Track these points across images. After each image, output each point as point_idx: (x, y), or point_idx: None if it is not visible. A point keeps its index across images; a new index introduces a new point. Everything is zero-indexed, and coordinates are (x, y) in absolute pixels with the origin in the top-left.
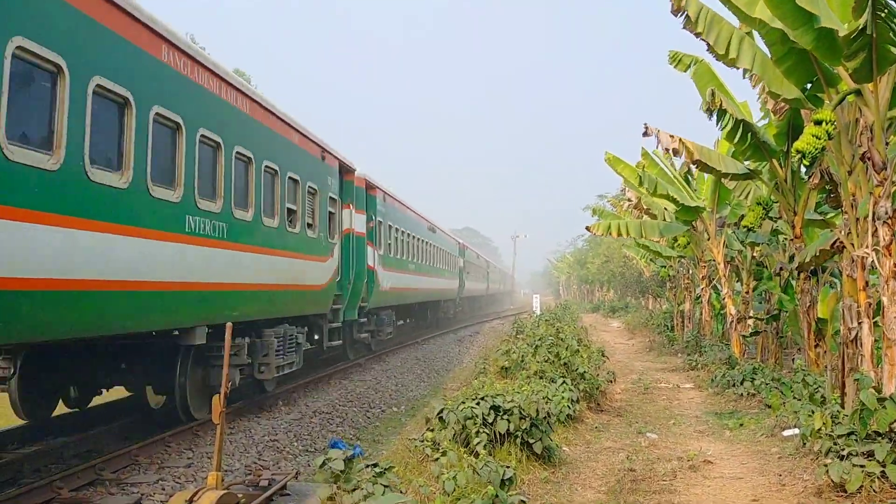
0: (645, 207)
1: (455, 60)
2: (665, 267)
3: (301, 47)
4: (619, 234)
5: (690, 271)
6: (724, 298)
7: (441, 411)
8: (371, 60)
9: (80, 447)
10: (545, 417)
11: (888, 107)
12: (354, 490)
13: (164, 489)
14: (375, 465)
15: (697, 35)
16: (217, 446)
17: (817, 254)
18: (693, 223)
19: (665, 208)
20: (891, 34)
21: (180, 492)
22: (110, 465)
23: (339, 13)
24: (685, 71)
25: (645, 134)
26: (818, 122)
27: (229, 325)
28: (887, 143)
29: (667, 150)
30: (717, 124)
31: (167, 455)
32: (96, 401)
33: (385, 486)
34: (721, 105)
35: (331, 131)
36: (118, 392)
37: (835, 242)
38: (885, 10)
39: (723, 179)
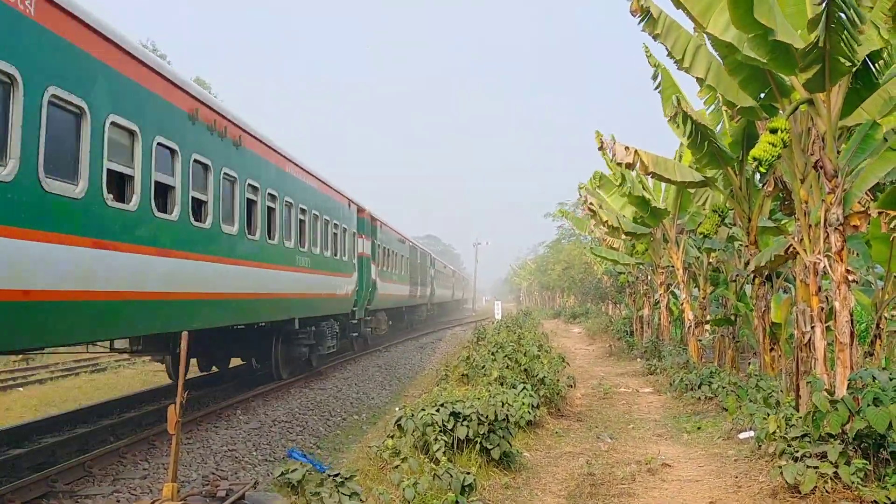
0: (604, 218)
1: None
2: (624, 273)
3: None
4: (605, 221)
5: (649, 277)
6: (682, 304)
7: (400, 419)
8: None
9: (33, 458)
10: (503, 420)
11: (839, 116)
12: (314, 500)
13: (118, 501)
14: (337, 475)
15: (656, 38)
16: (173, 457)
17: (772, 259)
18: (653, 229)
19: (624, 215)
20: (842, 46)
21: (135, 503)
22: (64, 476)
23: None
24: (654, 67)
25: (600, 148)
26: (773, 131)
27: (185, 333)
28: (838, 152)
29: (620, 164)
30: (683, 132)
31: (122, 466)
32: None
33: (346, 496)
34: (686, 109)
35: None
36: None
37: (788, 248)
38: (836, 23)
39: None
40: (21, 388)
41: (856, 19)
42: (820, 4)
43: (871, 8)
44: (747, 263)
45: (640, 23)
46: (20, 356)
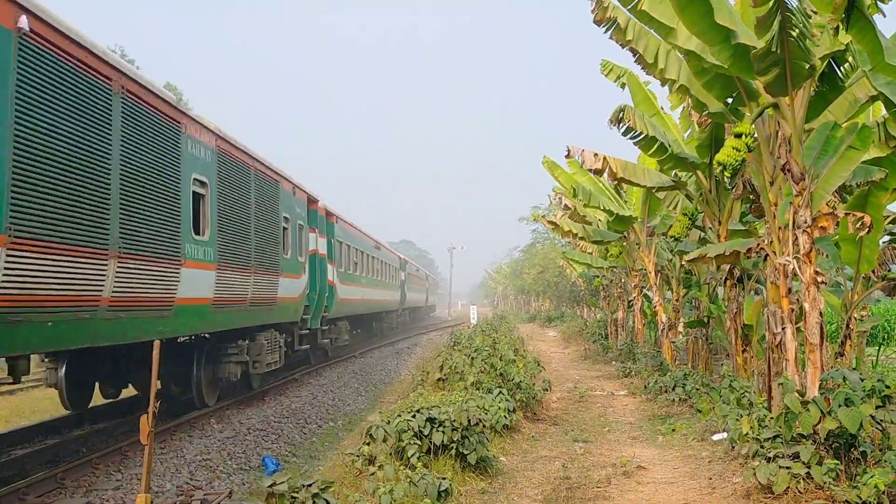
0: (581, 215)
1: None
2: (598, 277)
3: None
4: (569, 232)
5: (623, 280)
6: (655, 306)
7: (376, 427)
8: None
9: (3, 471)
10: (476, 425)
11: (805, 119)
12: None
13: None
14: (311, 485)
15: (625, 45)
16: (145, 467)
17: (726, 253)
18: (625, 233)
19: (598, 218)
20: (799, 49)
21: None
22: (35, 489)
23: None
24: (615, 81)
25: (567, 156)
26: (738, 135)
27: (157, 342)
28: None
29: (590, 170)
30: (624, 135)
31: (95, 478)
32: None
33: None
34: (629, 122)
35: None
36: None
37: (751, 249)
38: (797, 30)
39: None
40: None
41: (805, 23)
42: (769, 9)
43: (816, 12)
44: (719, 267)
45: (606, 31)
46: None
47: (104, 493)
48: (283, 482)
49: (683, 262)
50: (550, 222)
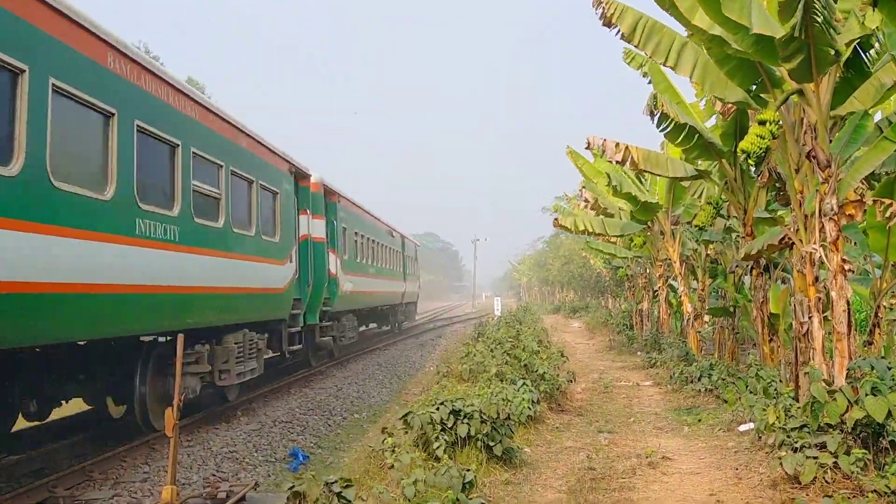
0: (602, 207)
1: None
2: (622, 267)
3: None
4: (584, 230)
5: (647, 270)
6: (680, 296)
7: (408, 413)
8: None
9: (32, 464)
10: (505, 419)
11: (830, 106)
12: (316, 500)
13: None
14: (335, 482)
15: (637, 46)
16: (171, 459)
17: (764, 247)
18: (649, 222)
19: (620, 208)
20: (826, 36)
21: None
22: (64, 481)
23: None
24: (638, 69)
25: (587, 147)
26: (762, 123)
27: (181, 336)
28: (831, 141)
29: (611, 160)
30: (657, 127)
31: (122, 470)
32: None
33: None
34: (663, 109)
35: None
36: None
37: (783, 238)
38: (822, 15)
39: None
40: None
41: (829, 8)
42: None
43: None
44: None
45: (616, 34)
46: None
47: (132, 484)
48: (305, 483)
49: (709, 252)
50: (561, 225)
